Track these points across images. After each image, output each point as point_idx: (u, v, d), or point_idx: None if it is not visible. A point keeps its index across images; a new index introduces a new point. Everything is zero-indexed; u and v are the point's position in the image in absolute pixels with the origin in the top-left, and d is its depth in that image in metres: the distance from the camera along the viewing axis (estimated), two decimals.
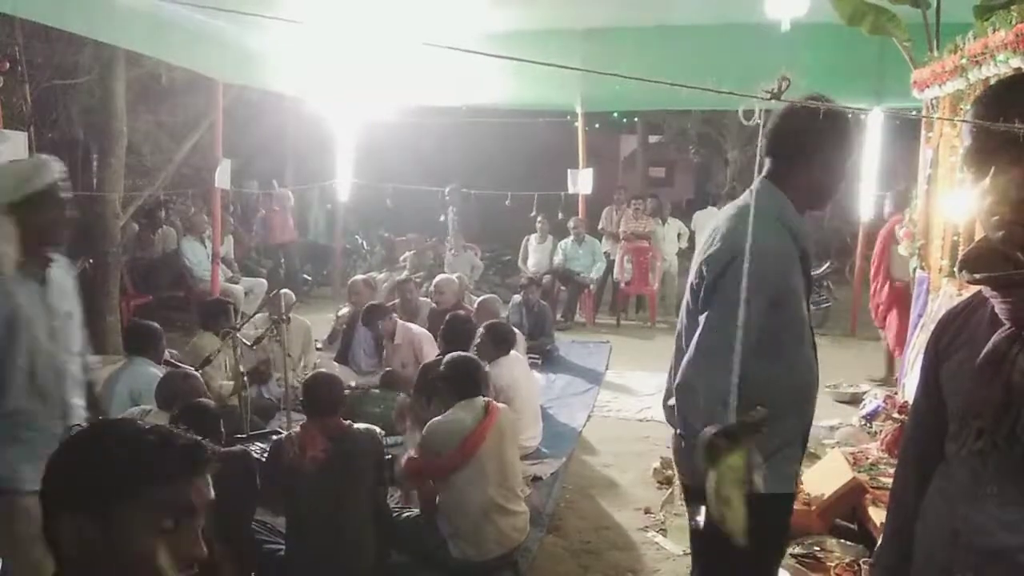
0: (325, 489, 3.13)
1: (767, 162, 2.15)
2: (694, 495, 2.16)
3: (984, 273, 1.26)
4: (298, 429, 3.32)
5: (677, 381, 2.07)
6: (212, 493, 1.14)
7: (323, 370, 4.01)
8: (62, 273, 2.62)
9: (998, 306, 1.26)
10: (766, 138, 2.14)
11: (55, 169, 2.47)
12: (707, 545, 2.15)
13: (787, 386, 2.09)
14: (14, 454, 2.41)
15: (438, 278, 6.77)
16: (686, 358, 2.05)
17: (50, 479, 1.12)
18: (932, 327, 1.47)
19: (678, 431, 2.14)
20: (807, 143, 2.07)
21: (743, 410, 1.92)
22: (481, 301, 6.47)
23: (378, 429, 3.49)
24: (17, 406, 2.39)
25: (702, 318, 2.04)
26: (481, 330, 4.92)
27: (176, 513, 1.08)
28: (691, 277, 2.17)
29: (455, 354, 3.79)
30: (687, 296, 2.19)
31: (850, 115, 2.16)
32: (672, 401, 2.22)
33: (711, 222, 2.21)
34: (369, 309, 5.76)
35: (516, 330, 6.23)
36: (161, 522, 1.07)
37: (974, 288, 1.35)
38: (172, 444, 1.12)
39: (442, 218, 11.17)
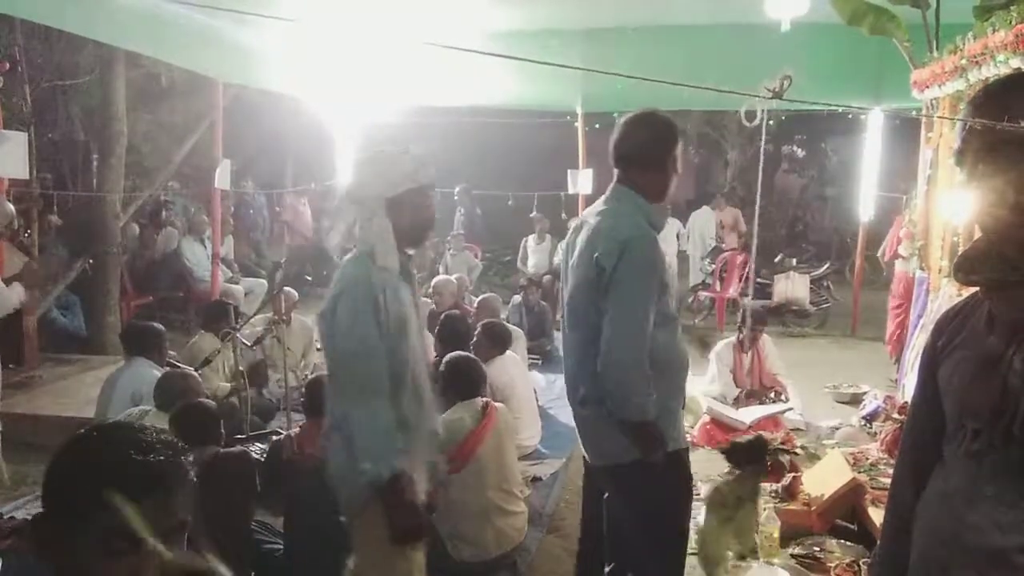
0: (323, 488, 3.13)
1: (616, 171, 2.51)
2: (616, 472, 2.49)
3: (980, 275, 1.26)
4: (297, 429, 3.33)
5: (603, 363, 2.31)
6: (180, 514, 1.10)
7: (325, 372, 3.99)
8: (412, 267, 2.49)
9: (994, 306, 1.26)
10: (611, 149, 2.51)
11: (432, 169, 2.33)
12: (629, 515, 2.52)
13: (674, 353, 2.45)
14: (407, 462, 2.20)
15: (436, 279, 6.77)
16: (607, 342, 2.30)
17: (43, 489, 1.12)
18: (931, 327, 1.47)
19: (608, 409, 2.36)
20: (645, 149, 2.45)
21: (656, 375, 2.31)
22: (482, 299, 6.47)
23: None
24: (406, 410, 2.25)
25: (606, 305, 2.33)
26: (478, 329, 4.92)
27: (128, 537, 1.03)
28: (580, 272, 2.42)
29: (455, 354, 3.79)
30: (580, 291, 2.43)
31: (670, 120, 2.51)
32: (584, 410, 2.49)
33: (584, 226, 2.51)
34: None
35: (518, 329, 6.23)
36: (112, 544, 1.04)
37: (973, 288, 1.34)
38: (127, 467, 1.07)
39: (456, 215, 11.19)
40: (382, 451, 2.11)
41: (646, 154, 2.45)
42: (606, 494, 2.63)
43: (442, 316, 5.16)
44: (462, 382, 3.57)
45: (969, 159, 1.25)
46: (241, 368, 4.46)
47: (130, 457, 1.08)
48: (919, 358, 1.44)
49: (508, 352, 4.99)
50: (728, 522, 3.23)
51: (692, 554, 3.71)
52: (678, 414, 2.51)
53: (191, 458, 1.18)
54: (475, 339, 4.81)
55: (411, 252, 2.36)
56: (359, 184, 2.26)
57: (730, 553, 3.30)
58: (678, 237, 10.32)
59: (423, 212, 2.30)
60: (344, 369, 2.20)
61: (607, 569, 2.69)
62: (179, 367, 4.34)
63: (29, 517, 3.60)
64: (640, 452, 2.35)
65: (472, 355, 4.01)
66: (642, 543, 2.50)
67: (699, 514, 3.35)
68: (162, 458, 1.10)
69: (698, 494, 4.35)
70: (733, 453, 3.30)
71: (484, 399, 3.58)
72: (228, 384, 4.84)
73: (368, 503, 2.22)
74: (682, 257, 10.49)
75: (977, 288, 1.32)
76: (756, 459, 3.24)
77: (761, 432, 4.04)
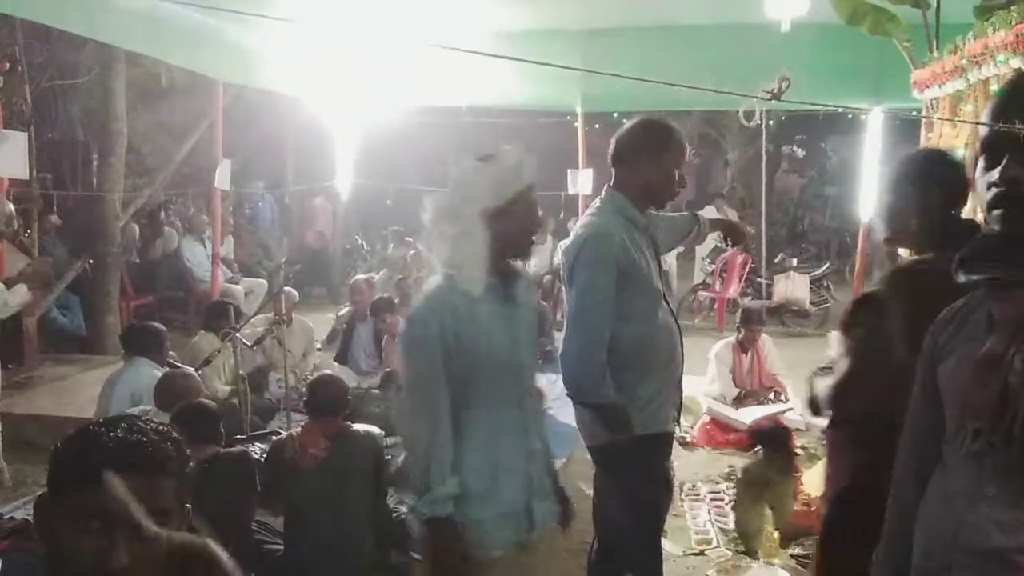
0: (324, 489, 3.13)
1: (612, 172, 2.63)
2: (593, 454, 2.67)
3: (981, 273, 1.25)
4: (298, 429, 3.33)
5: (560, 351, 2.52)
6: (163, 498, 1.11)
7: (328, 371, 3.99)
8: (525, 289, 2.22)
9: (994, 306, 1.26)
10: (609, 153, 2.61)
11: (532, 167, 2.07)
12: (604, 494, 2.69)
13: (651, 345, 2.54)
14: (479, 507, 2.01)
15: None
16: (564, 333, 2.53)
17: None
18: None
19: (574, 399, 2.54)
20: (631, 154, 2.56)
21: (617, 367, 2.43)
22: None
23: (377, 429, 3.49)
24: (482, 447, 2.03)
25: (568, 299, 2.55)
26: None
27: (96, 517, 1.08)
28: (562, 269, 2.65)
29: None
30: (564, 285, 2.66)
31: (668, 126, 2.60)
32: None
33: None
34: (376, 302, 5.78)
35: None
36: (86, 523, 1.08)
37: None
38: (93, 446, 1.11)
39: None
40: (429, 491, 1.96)
41: (629, 156, 2.58)
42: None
43: None
44: None
45: (991, 149, 1.23)
46: (241, 372, 4.46)
47: (109, 435, 1.12)
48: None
49: None
50: (759, 499, 3.63)
51: (692, 554, 3.74)
52: (650, 401, 2.56)
53: (188, 449, 1.20)
54: None
55: (518, 262, 2.18)
56: (455, 198, 2.01)
57: (767, 526, 3.67)
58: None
59: (526, 219, 2.08)
60: (404, 397, 2.08)
61: (592, 543, 2.85)
62: (179, 367, 4.34)
63: (29, 517, 3.60)
64: (608, 433, 2.49)
65: None
66: (615, 522, 2.65)
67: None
68: (143, 439, 1.13)
69: (697, 494, 4.38)
70: (757, 436, 3.75)
71: None
72: (228, 387, 4.84)
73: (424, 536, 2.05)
74: (688, 256, 10.46)
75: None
76: (775, 444, 3.72)
77: (777, 423, 4.38)
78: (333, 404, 3.29)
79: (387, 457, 3.49)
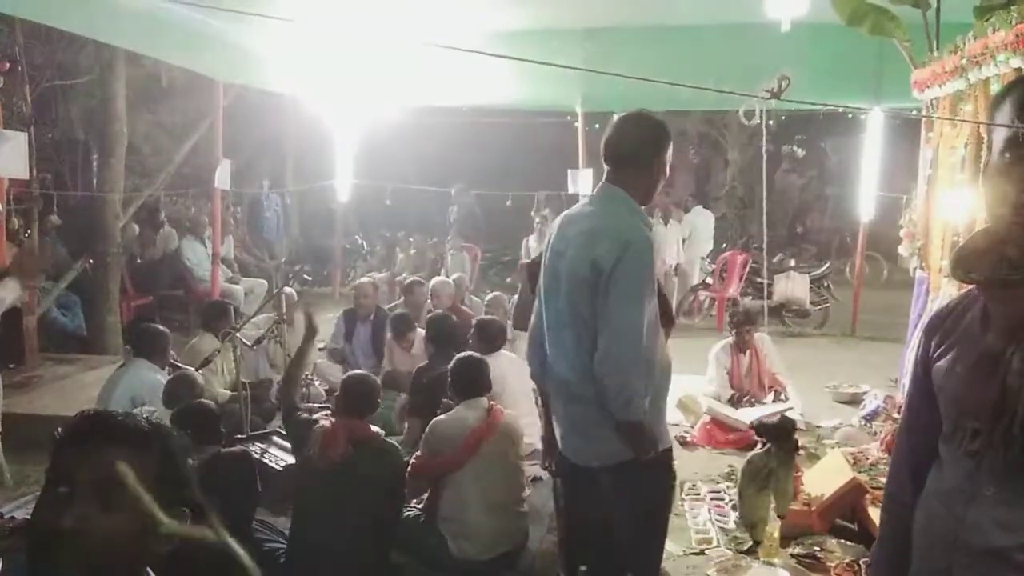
0: (335, 495, 3.10)
1: (607, 169, 2.48)
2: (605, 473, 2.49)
3: (979, 273, 1.25)
4: (326, 425, 3.26)
5: (601, 363, 2.31)
6: (107, 470, 1.10)
7: (362, 370, 3.94)
8: None
9: (991, 305, 1.25)
10: (604, 147, 2.48)
11: None
12: (617, 513, 2.49)
13: (661, 355, 2.46)
14: None
15: (434, 281, 6.77)
16: (606, 343, 2.30)
17: None
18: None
19: (610, 410, 2.35)
20: (640, 150, 2.43)
21: (648, 375, 2.34)
22: (492, 297, 6.50)
23: (397, 445, 3.48)
24: None
25: (604, 306, 2.31)
26: (473, 327, 4.91)
27: (61, 480, 1.11)
28: (576, 271, 2.38)
29: (463, 354, 3.79)
30: (575, 290, 2.39)
31: (664, 123, 2.49)
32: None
33: (575, 224, 2.49)
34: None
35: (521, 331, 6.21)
36: (54, 486, 1.11)
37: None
38: (77, 420, 1.17)
39: (450, 214, 11.21)
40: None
41: (639, 155, 2.44)
42: (588, 494, 2.58)
43: (428, 318, 5.15)
44: (465, 382, 3.57)
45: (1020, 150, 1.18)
46: (244, 380, 4.44)
47: (93, 412, 1.18)
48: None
49: (503, 352, 4.97)
50: (763, 489, 3.69)
51: (692, 553, 3.74)
52: (664, 414, 2.57)
53: (183, 444, 1.22)
54: (471, 338, 4.81)
55: None
56: None
57: (772, 513, 3.75)
58: (683, 241, 10.32)
59: None
60: None
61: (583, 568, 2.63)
62: (179, 367, 4.34)
63: (30, 517, 3.60)
64: (634, 451, 2.38)
65: (479, 356, 3.98)
66: (635, 539, 2.54)
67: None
68: (122, 416, 1.17)
69: (697, 494, 4.38)
70: (761, 429, 3.80)
71: (489, 401, 3.58)
72: (228, 392, 4.83)
73: None
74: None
75: (971, 286, 1.31)
76: (781, 437, 3.71)
77: (786, 415, 4.57)
78: (362, 405, 3.26)
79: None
